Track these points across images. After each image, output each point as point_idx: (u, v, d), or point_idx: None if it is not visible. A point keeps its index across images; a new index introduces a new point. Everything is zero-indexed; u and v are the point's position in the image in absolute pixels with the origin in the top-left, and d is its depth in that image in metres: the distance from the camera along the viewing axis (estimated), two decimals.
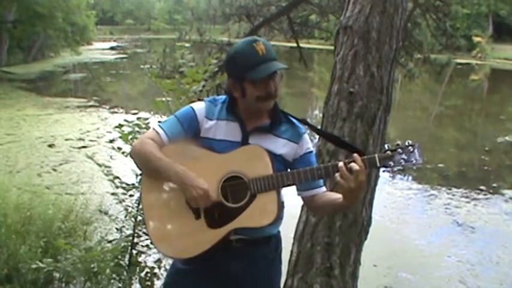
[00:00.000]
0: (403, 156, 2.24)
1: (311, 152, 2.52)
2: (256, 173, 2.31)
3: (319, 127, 3.47)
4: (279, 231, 2.57)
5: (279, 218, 2.37)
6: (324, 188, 2.50)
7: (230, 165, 2.33)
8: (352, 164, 2.18)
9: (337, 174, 2.19)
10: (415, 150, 2.24)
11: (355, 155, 2.22)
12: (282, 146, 2.43)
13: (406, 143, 2.25)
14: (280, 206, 2.35)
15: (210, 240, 2.31)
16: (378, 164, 2.25)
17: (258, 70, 2.24)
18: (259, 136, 2.40)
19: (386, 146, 2.27)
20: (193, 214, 2.32)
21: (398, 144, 2.26)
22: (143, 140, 2.38)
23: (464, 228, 7.84)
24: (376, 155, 2.26)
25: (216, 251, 2.32)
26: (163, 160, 2.29)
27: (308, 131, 2.55)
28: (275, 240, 2.56)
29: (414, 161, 2.25)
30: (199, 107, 2.45)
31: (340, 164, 2.21)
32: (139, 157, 2.37)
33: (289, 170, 2.41)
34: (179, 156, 2.33)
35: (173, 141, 2.39)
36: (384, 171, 9.36)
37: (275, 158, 2.37)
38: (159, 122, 2.69)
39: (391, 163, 2.25)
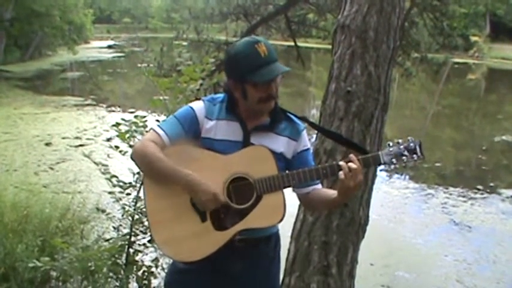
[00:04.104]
0: (406, 153, 2.28)
1: (308, 149, 2.53)
2: (261, 174, 2.31)
3: None
4: (278, 230, 2.58)
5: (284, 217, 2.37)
6: (320, 185, 2.51)
7: (235, 167, 2.32)
8: (350, 164, 2.20)
9: (341, 173, 2.21)
10: (417, 147, 2.28)
11: (351, 155, 2.25)
12: (282, 144, 2.43)
13: (408, 140, 2.28)
14: (286, 206, 2.34)
15: (216, 242, 2.31)
16: (382, 161, 2.28)
17: (260, 73, 2.23)
18: (260, 135, 2.40)
19: (388, 143, 2.29)
20: (199, 217, 2.31)
21: (399, 142, 2.28)
22: (144, 143, 2.34)
23: (461, 227, 7.85)
24: (380, 152, 2.29)
25: (218, 251, 2.31)
26: (167, 164, 2.27)
27: (306, 130, 2.55)
28: (275, 238, 2.57)
29: (416, 158, 2.29)
30: (198, 106, 2.43)
31: (343, 163, 2.23)
32: (141, 160, 2.34)
33: (288, 167, 2.42)
34: (182, 158, 2.31)
35: (174, 142, 2.36)
36: (381, 170, 9.38)
37: (277, 156, 2.37)
38: (159, 122, 2.68)
39: (394, 160, 2.28)
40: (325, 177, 2.35)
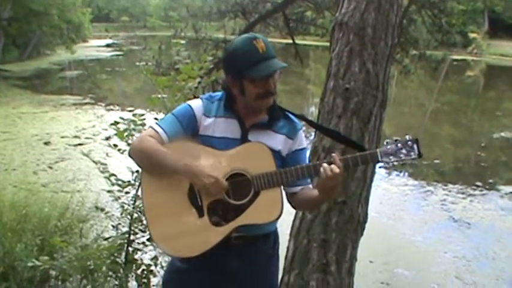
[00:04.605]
0: (403, 151, 2.28)
1: (303, 148, 2.53)
2: (259, 170, 2.31)
3: None
4: (276, 228, 2.58)
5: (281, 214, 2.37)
6: (310, 185, 2.51)
7: (233, 163, 2.33)
8: (332, 166, 2.20)
9: (321, 169, 2.22)
10: (414, 145, 2.27)
11: (334, 155, 2.25)
12: (280, 142, 2.43)
13: (406, 138, 2.28)
14: (283, 202, 2.35)
15: (214, 238, 2.30)
16: (380, 159, 2.28)
17: (258, 69, 2.22)
18: (258, 132, 2.40)
19: (386, 141, 2.28)
20: (196, 212, 2.31)
21: (397, 140, 2.27)
22: (143, 138, 2.35)
23: (460, 224, 7.85)
24: (378, 150, 2.29)
25: (215, 249, 2.30)
26: (167, 155, 2.27)
27: (305, 128, 2.55)
28: (273, 236, 2.57)
29: (414, 156, 2.29)
30: (196, 104, 2.43)
31: (325, 164, 2.22)
32: (140, 154, 2.34)
33: (284, 165, 2.41)
34: (180, 155, 2.31)
35: (172, 140, 2.36)
36: (380, 167, 9.39)
37: (274, 154, 2.37)
38: (157, 120, 2.68)
39: (392, 157, 2.28)
40: None
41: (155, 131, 2.37)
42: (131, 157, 2.39)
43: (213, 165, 2.31)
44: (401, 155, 2.27)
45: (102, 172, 4.18)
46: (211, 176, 2.22)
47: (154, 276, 4.19)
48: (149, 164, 2.35)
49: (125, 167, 4.00)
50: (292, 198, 2.54)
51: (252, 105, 2.35)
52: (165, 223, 2.33)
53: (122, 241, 4.07)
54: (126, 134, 4.01)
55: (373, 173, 3.90)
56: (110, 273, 4.09)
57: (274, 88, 2.32)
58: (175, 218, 2.32)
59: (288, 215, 3.15)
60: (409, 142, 2.28)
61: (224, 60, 2.40)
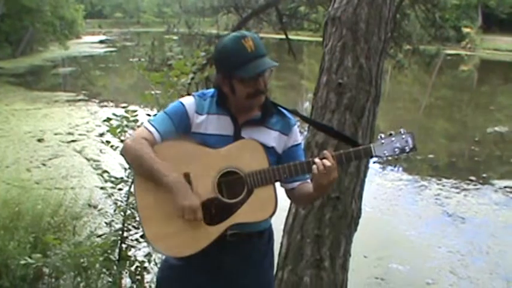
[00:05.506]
0: (397, 144, 2.25)
1: (299, 144, 2.51)
2: (252, 168, 2.29)
3: None
4: (271, 224, 2.57)
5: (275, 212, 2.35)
6: (308, 180, 2.49)
7: (225, 161, 2.31)
8: (324, 161, 2.19)
9: (314, 167, 2.20)
10: (409, 139, 2.25)
11: (326, 152, 2.23)
12: (273, 138, 2.41)
13: (400, 132, 2.26)
14: (277, 199, 2.33)
15: (207, 237, 2.29)
16: (373, 154, 2.26)
17: (246, 68, 2.20)
18: (251, 129, 2.38)
19: (380, 135, 2.26)
20: None
21: (391, 134, 2.25)
22: (135, 140, 2.32)
23: (454, 218, 7.87)
24: (372, 144, 2.27)
25: (210, 246, 2.29)
26: (156, 164, 2.25)
27: (299, 123, 2.54)
28: (268, 233, 2.56)
29: (408, 150, 2.26)
30: (189, 102, 2.41)
31: (317, 160, 2.21)
32: (131, 158, 2.33)
33: (279, 162, 2.40)
34: (173, 155, 2.30)
35: (165, 138, 2.34)
36: (374, 162, 9.40)
37: (268, 150, 2.36)
38: (149, 117, 2.66)
39: (386, 152, 2.26)
40: None
41: (148, 130, 2.35)
42: (123, 156, 2.37)
43: (204, 166, 2.29)
44: (396, 149, 2.25)
45: (95, 169, 4.16)
46: (192, 202, 2.21)
47: (148, 273, 4.17)
48: (138, 168, 2.34)
49: (117, 163, 3.98)
50: (291, 194, 2.54)
51: (243, 103, 2.34)
52: (158, 222, 2.31)
53: (115, 238, 4.06)
54: (119, 130, 3.99)
55: (367, 168, 3.90)
56: (104, 270, 4.07)
57: (265, 87, 2.30)
58: (168, 217, 2.29)
59: (282, 211, 3.14)
60: (404, 136, 2.25)
61: (214, 59, 2.38)
